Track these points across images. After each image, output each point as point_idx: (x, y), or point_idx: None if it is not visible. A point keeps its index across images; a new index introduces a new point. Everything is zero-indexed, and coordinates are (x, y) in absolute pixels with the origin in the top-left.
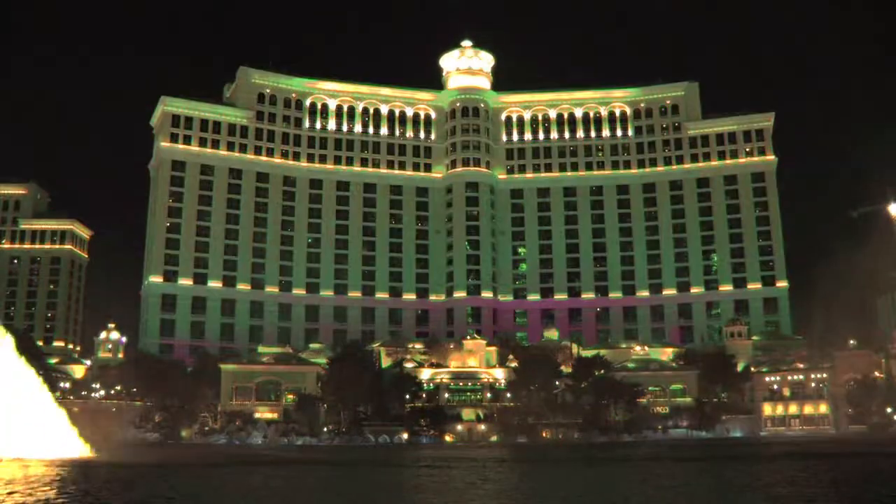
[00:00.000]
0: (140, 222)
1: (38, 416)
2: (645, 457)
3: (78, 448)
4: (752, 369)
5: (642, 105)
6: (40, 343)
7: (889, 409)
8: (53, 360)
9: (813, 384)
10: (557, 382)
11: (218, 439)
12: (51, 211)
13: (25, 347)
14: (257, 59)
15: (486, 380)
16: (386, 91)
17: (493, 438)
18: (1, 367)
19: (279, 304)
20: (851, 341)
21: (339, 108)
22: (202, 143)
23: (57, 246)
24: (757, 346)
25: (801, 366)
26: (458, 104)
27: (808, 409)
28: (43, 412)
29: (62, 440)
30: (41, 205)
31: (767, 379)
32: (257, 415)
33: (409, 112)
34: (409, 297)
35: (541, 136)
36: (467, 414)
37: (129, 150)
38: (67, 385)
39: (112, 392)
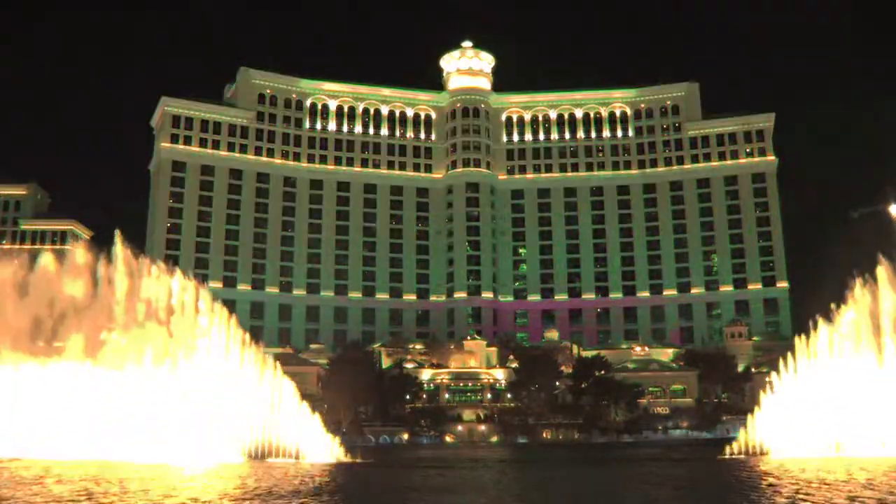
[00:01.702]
0: (140, 223)
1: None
2: (648, 457)
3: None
4: (753, 370)
5: (642, 105)
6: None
7: None
8: None
9: None
10: (558, 383)
11: None
12: (51, 211)
13: None
14: (258, 59)
15: (486, 380)
16: (386, 91)
17: (494, 439)
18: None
19: (279, 304)
20: None
21: (340, 108)
22: (202, 143)
23: (57, 246)
24: (757, 347)
25: None
26: (458, 105)
27: None
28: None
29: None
30: (41, 205)
31: (768, 379)
32: None
33: (410, 112)
34: (410, 297)
35: (541, 136)
36: (468, 414)
37: (130, 150)
38: None
39: None
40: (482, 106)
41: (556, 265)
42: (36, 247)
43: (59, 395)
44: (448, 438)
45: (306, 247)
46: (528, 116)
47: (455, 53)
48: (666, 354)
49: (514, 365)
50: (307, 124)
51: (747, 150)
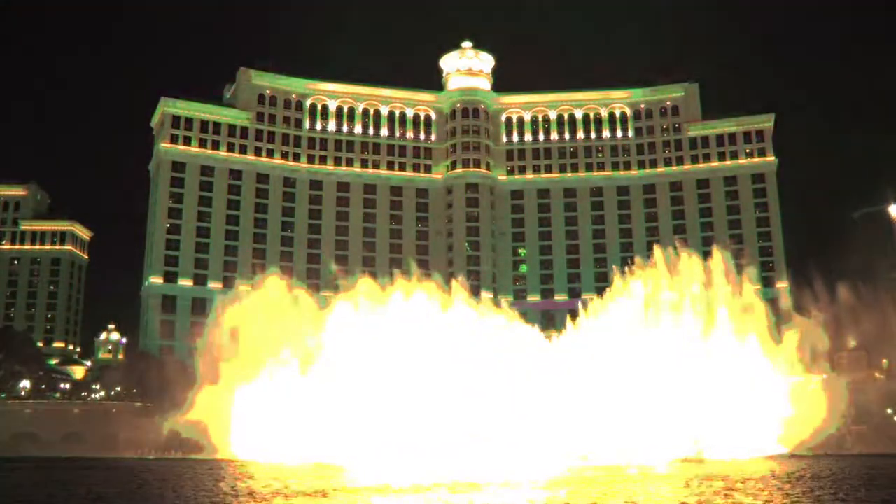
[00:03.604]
0: (140, 223)
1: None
2: None
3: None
4: None
5: (642, 106)
6: (40, 344)
7: (889, 410)
8: (53, 361)
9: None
10: None
11: None
12: (51, 212)
13: (25, 348)
14: (257, 59)
15: None
16: (386, 92)
17: None
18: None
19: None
20: (852, 342)
21: (339, 108)
22: (202, 143)
23: (57, 247)
24: None
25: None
26: (458, 105)
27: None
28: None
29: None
30: (41, 206)
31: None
32: None
33: (410, 113)
34: None
35: (541, 136)
36: None
37: (129, 150)
38: (67, 386)
39: (112, 393)
40: (482, 106)
41: (556, 266)
42: (36, 247)
43: None
44: None
45: (306, 247)
46: (528, 116)
47: (455, 54)
48: None
49: None
50: (307, 125)
51: (747, 150)
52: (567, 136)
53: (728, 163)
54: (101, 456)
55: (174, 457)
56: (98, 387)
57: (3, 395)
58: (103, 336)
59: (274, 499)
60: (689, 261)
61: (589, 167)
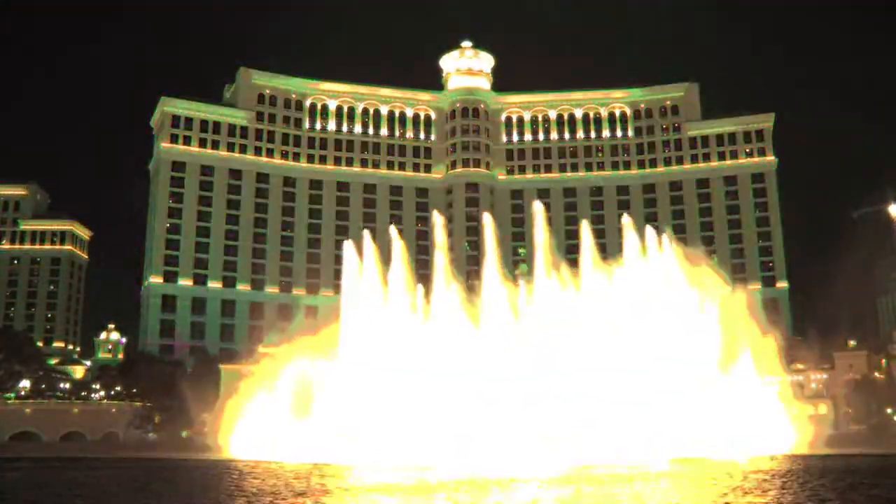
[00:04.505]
0: (140, 223)
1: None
2: None
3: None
4: None
5: (642, 106)
6: (40, 344)
7: (889, 410)
8: (53, 361)
9: (813, 384)
10: None
11: None
12: (51, 211)
13: (25, 348)
14: (257, 59)
15: None
16: (386, 92)
17: None
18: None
19: (279, 304)
20: (851, 342)
21: (339, 108)
22: (202, 143)
23: (57, 247)
24: None
25: (801, 366)
26: (458, 105)
27: (808, 410)
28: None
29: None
30: (41, 205)
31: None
32: None
33: (409, 113)
34: None
35: (541, 136)
36: None
37: (129, 150)
38: (67, 385)
39: (112, 392)
40: (482, 106)
41: None
42: (35, 247)
43: None
44: None
45: (306, 247)
46: (527, 116)
47: (455, 53)
48: None
49: None
50: (307, 124)
51: (747, 150)
52: (567, 135)
53: (728, 163)
54: (101, 456)
55: (176, 456)
56: (98, 387)
57: (13, 396)
58: (103, 336)
59: (297, 498)
60: (684, 251)
61: (589, 167)
